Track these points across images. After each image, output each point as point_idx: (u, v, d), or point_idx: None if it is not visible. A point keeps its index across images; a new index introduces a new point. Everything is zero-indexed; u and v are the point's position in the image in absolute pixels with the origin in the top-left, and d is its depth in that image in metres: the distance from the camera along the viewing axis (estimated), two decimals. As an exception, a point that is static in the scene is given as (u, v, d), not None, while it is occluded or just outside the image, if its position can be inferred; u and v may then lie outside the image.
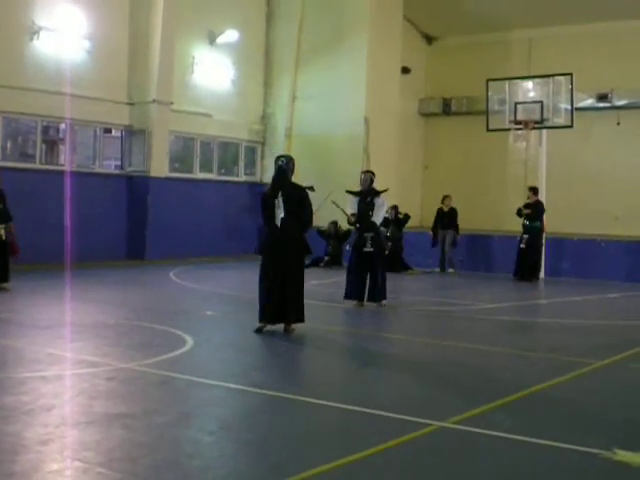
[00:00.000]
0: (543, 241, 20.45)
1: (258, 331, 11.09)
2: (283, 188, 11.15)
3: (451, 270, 21.58)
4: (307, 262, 15.38)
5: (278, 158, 11.57)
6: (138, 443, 5.94)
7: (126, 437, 6.07)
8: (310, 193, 11.43)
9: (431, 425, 6.56)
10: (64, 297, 14.07)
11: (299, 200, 11.19)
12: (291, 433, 6.47)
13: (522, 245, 20.15)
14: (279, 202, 11.06)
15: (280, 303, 11.12)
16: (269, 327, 11.18)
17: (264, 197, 11.37)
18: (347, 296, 13.99)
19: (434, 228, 22.09)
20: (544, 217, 20.33)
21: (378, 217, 14.11)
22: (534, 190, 20.59)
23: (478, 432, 6.43)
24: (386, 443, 6.01)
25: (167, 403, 7.21)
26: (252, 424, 6.71)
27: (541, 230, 20.32)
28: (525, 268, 20.11)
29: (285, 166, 11.31)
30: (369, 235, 13.94)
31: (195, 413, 6.97)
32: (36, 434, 6.06)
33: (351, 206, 14.39)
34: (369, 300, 13.94)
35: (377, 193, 14.19)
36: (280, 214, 11.06)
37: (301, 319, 11.30)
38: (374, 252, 13.93)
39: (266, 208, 11.23)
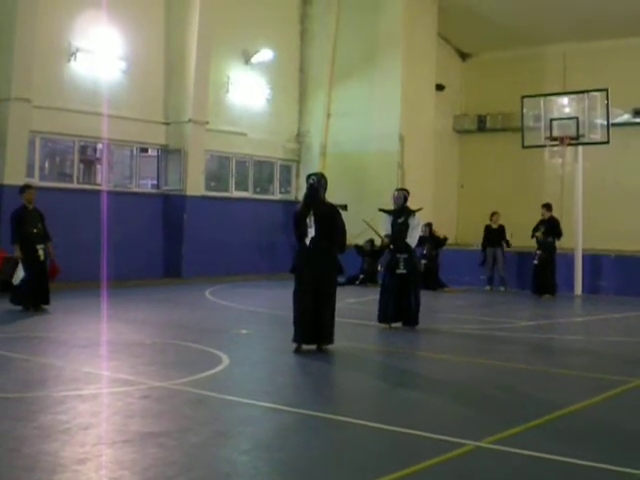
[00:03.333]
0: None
1: (296, 351, 11.06)
2: (314, 206, 11.14)
3: (502, 288, 21.47)
4: (343, 280, 15.32)
5: (309, 176, 11.54)
6: (173, 462, 5.96)
7: (161, 456, 6.09)
8: (344, 212, 11.43)
9: (466, 445, 6.52)
10: (101, 316, 14.19)
11: (331, 219, 11.14)
12: (325, 452, 6.47)
13: (535, 261, 20.18)
14: (310, 221, 11.06)
15: (313, 323, 11.08)
16: (304, 346, 11.15)
17: (296, 215, 11.40)
18: (380, 319, 13.60)
19: (483, 245, 21.97)
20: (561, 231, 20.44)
21: (413, 238, 13.70)
22: (548, 207, 20.67)
23: (514, 452, 6.37)
24: (420, 463, 5.97)
25: (202, 422, 7.22)
26: (286, 443, 6.71)
27: (554, 246, 20.36)
28: (541, 284, 20.11)
29: (317, 184, 11.28)
30: (402, 257, 13.56)
31: (230, 432, 6.97)
32: (73, 453, 6.10)
33: (384, 226, 14.22)
34: (404, 324, 13.57)
35: (411, 212, 13.82)
36: (311, 233, 11.05)
37: (330, 341, 11.21)
38: (407, 274, 13.57)
39: (298, 227, 11.26)
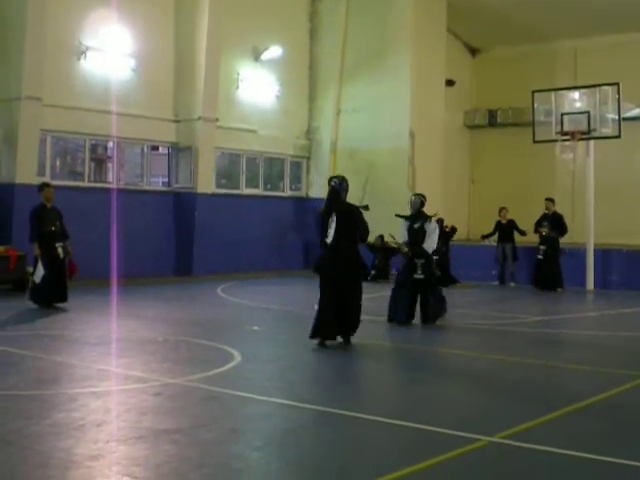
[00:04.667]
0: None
1: (320, 345, 11.25)
2: (336, 208, 11.42)
3: (512, 284, 21.43)
4: None
5: (331, 179, 11.84)
6: (186, 458, 5.97)
7: (174, 452, 6.11)
8: (366, 211, 11.71)
9: (480, 440, 6.52)
10: (113, 314, 14.20)
11: (352, 219, 11.41)
12: (338, 449, 6.47)
13: (539, 256, 20.24)
14: (332, 222, 11.31)
15: (337, 319, 11.30)
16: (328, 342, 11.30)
17: (320, 216, 11.71)
18: (389, 319, 13.57)
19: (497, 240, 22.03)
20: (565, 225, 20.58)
21: (430, 244, 13.64)
22: (553, 201, 20.78)
23: (526, 447, 6.36)
24: (433, 459, 5.98)
25: (214, 418, 7.24)
26: (299, 439, 6.71)
27: (558, 241, 20.48)
28: (545, 279, 20.18)
29: (338, 187, 11.58)
30: (420, 262, 13.55)
31: (242, 428, 6.98)
32: (86, 449, 6.13)
33: (401, 233, 14.18)
34: (423, 322, 13.59)
35: (428, 217, 13.81)
36: (331, 233, 11.30)
37: (355, 329, 11.52)
38: (424, 279, 13.59)
39: (321, 227, 11.54)
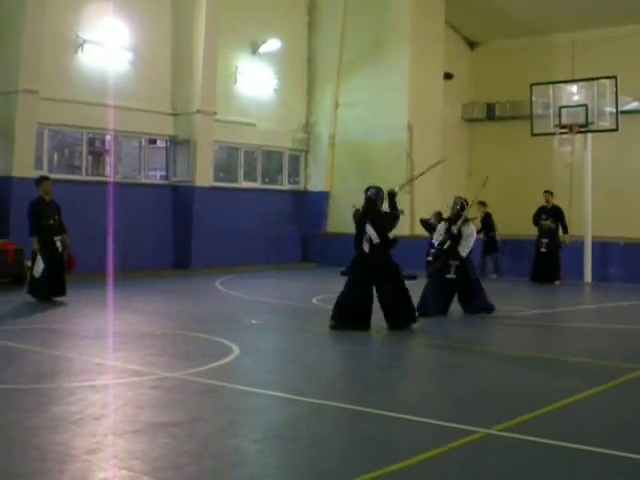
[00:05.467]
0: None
1: (332, 328, 11.95)
2: (371, 217, 12.10)
3: (494, 276, 21.41)
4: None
5: (367, 189, 12.40)
6: (183, 452, 5.98)
7: (172, 446, 6.11)
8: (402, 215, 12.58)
9: (477, 432, 6.53)
10: (111, 307, 14.19)
11: (384, 228, 12.10)
12: (336, 442, 6.48)
13: (543, 249, 20.28)
14: (367, 232, 11.98)
15: (360, 311, 11.96)
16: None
17: (355, 220, 12.32)
18: (420, 313, 13.09)
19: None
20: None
21: (465, 247, 13.80)
22: (552, 194, 20.89)
23: (524, 439, 6.37)
24: (432, 451, 5.99)
25: (212, 412, 7.25)
26: (297, 433, 6.72)
27: (558, 234, 20.53)
28: (545, 271, 20.22)
29: (374, 197, 12.25)
30: (454, 263, 13.74)
31: (240, 422, 6.99)
32: (84, 443, 6.13)
33: (439, 232, 14.26)
34: (467, 312, 13.89)
35: (466, 221, 13.99)
36: (369, 241, 11.99)
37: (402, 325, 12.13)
38: (456, 279, 13.76)
39: (356, 232, 12.21)
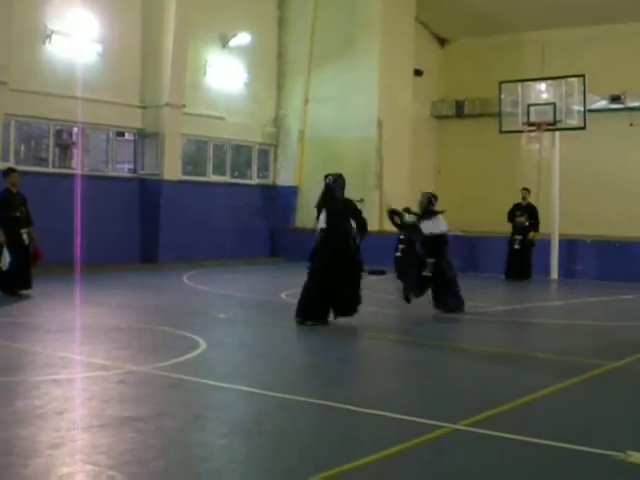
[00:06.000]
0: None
1: (300, 324, 11.99)
2: (329, 204, 12.18)
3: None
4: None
5: (326, 176, 12.48)
6: (149, 446, 5.94)
7: (137, 440, 6.07)
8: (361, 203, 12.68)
9: (444, 427, 6.54)
10: (77, 301, 14.10)
11: (344, 214, 12.11)
12: (301, 436, 6.48)
13: (516, 246, 20.35)
14: (322, 216, 12.08)
15: (323, 303, 12.02)
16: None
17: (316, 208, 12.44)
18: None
19: None
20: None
21: (432, 228, 13.80)
22: (529, 191, 21.04)
23: (490, 434, 6.40)
24: (398, 445, 5.99)
25: (178, 406, 7.21)
26: (263, 427, 6.70)
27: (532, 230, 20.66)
28: (520, 268, 20.31)
29: (332, 184, 12.32)
30: (431, 261, 13.66)
31: (206, 416, 6.96)
32: (48, 437, 6.08)
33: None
34: (437, 309, 13.81)
35: (435, 214, 14.04)
36: (321, 225, 12.06)
37: (347, 313, 12.19)
38: (431, 277, 13.71)
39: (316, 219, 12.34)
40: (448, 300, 13.81)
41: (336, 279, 11.96)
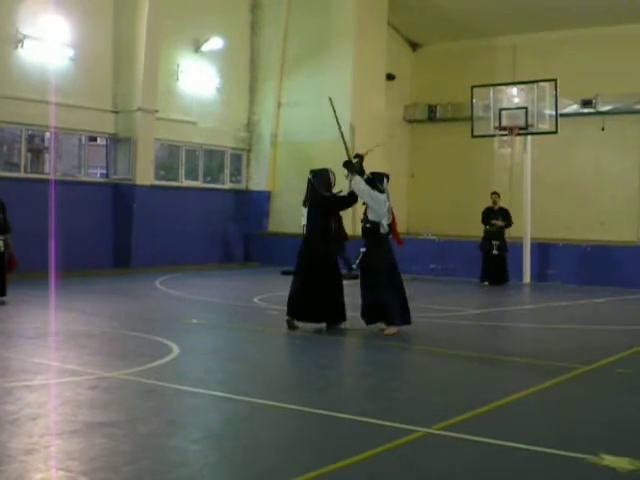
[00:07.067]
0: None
1: (290, 326, 12.02)
2: (308, 199, 12.38)
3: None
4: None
5: (310, 172, 12.57)
6: (121, 452, 5.92)
7: (110, 446, 6.05)
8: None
9: (417, 432, 6.56)
10: (50, 307, 14.00)
11: (325, 209, 12.18)
12: (276, 441, 6.48)
13: (495, 251, 20.43)
14: (304, 211, 12.35)
15: (303, 302, 11.95)
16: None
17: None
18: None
19: None
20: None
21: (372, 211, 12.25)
22: (499, 195, 21.19)
23: (464, 438, 6.42)
24: (370, 450, 6.00)
25: (151, 412, 7.19)
26: (237, 432, 6.70)
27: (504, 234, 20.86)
28: (499, 272, 20.44)
29: (313, 180, 12.38)
30: (362, 251, 12.21)
31: (180, 421, 6.95)
32: (20, 444, 6.04)
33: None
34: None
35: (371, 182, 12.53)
36: (303, 221, 12.38)
37: (333, 321, 12.10)
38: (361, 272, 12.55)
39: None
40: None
41: (320, 287, 11.90)
